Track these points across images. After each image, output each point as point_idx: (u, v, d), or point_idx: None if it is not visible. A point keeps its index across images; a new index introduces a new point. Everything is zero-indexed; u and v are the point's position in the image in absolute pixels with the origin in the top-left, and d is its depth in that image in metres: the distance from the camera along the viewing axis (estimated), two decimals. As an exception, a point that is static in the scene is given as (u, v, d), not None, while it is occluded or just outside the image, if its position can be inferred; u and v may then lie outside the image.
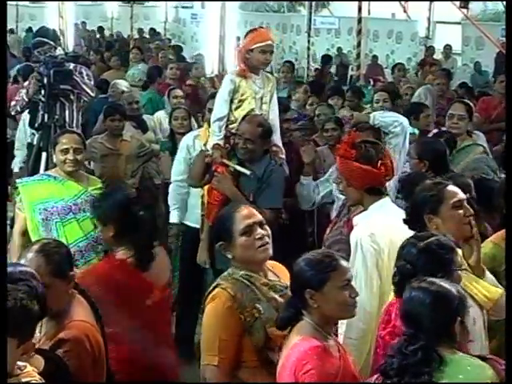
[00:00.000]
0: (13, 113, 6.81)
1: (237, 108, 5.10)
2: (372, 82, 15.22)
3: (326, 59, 15.96)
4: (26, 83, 6.58)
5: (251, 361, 3.27)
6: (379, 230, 3.72)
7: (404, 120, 5.26)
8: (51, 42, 7.06)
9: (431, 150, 5.18)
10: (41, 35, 7.25)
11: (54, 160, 4.87)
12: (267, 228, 3.44)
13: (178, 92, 7.99)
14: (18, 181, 5.02)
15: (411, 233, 3.63)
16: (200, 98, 9.07)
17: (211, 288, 3.36)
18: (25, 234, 4.75)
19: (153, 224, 3.94)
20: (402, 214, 3.79)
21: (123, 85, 8.12)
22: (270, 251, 3.39)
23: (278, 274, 3.46)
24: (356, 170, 3.85)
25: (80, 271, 3.75)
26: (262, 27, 5.97)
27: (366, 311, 3.59)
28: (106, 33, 20.95)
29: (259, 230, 3.37)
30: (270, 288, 3.32)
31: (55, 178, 4.82)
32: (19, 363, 2.66)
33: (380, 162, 3.85)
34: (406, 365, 2.64)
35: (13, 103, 6.58)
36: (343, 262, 3.02)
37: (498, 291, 3.45)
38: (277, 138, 5.22)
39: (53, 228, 4.71)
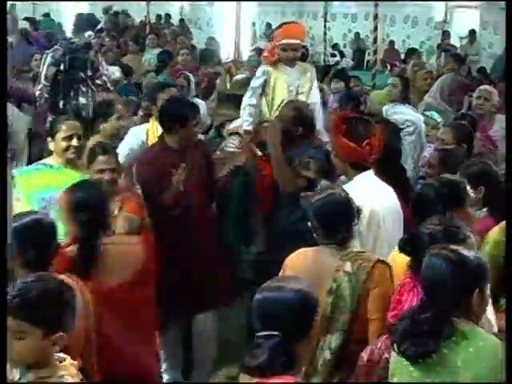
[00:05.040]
0: (42, 101, 6.67)
1: (270, 105, 5.22)
2: (389, 67, 15.21)
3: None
4: (44, 70, 6.55)
5: None
6: (361, 199, 3.74)
7: (417, 119, 5.21)
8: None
9: (468, 134, 5.09)
10: (87, 19, 7.15)
11: (52, 148, 4.72)
12: None
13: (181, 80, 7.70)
14: (14, 171, 4.89)
15: (393, 203, 3.87)
16: (215, 85, 9.10)
17: None
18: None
19: None
20: (385, 186, 3.97)
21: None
22: None
23: None
24: (342, 145, 3.97)
25: None
26: (293, 22, 6.00)
27: None
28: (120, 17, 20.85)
29: None
30: None
31: (52, 166, 4.73)
32: (60, 355, 2.63)
33: (367, 140, 3.91)
34: (412, 331, 2.62)
35: (37, 93, 6.54)
36: None
37: None
38: (319, 127, 5.23)
39: (52, 217, 4.67)
